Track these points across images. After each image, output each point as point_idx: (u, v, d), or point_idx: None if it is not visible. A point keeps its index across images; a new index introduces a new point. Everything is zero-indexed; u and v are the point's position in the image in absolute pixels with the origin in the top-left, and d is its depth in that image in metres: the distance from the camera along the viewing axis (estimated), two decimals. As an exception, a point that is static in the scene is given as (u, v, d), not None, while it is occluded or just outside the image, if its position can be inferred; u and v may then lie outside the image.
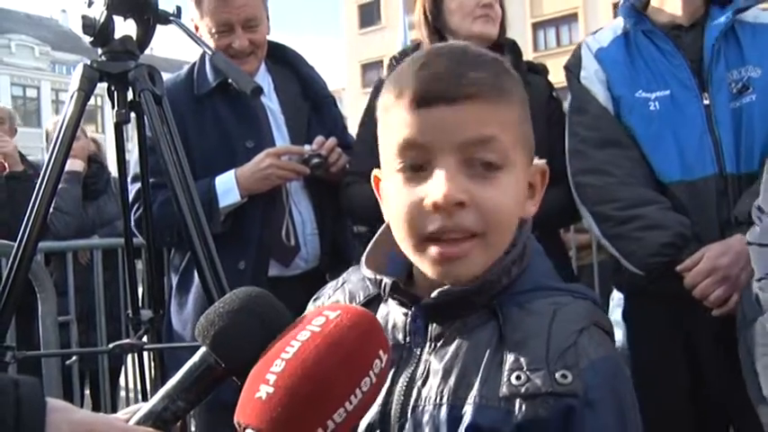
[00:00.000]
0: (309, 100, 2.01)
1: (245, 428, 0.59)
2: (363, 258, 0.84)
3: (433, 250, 0.74)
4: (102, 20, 1.52)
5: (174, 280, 1.93)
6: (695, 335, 1.60)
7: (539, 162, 0.83)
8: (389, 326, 0.81)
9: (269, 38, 2.00)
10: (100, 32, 1.53)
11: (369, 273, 0.83)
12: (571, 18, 26.27)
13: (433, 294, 0.76)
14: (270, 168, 1.80)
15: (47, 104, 33.80)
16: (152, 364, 2.05)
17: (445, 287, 0.76)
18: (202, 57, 1.95)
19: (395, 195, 0.77)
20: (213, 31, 1.87)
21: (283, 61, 2.06)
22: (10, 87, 33.18)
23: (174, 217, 1.68)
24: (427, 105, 0.73)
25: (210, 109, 1.88)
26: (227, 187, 1.81)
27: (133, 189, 1.86)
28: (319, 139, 1.90)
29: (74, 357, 2.54)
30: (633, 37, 1.68)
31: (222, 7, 1.82)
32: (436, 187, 0.72)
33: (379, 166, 0.84)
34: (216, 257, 1.54)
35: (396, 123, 0.75)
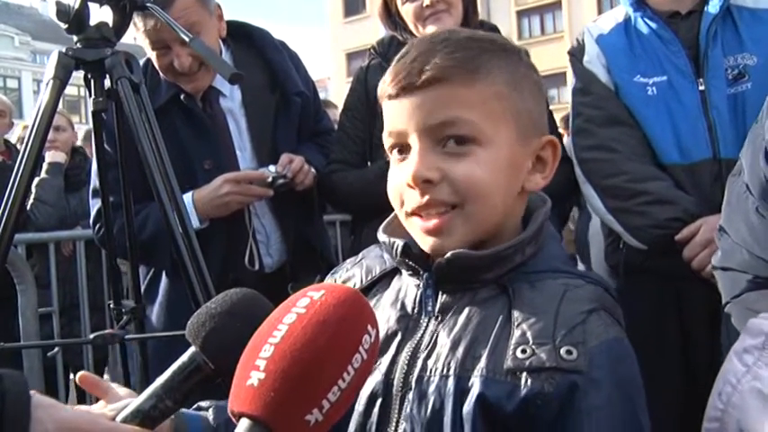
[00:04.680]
0: (277, 92, 1.87)
1: (239, 417, 0.58)
2: (381, 227, 0.88)
3: (417, 223, 0.80)
4: (77, 6, 1.48)
5: (142, 287, 1.85)
6: (688, 311, 1.64)
7: (548, 135, 0.84)
8: (400, 296, 0.85)
9: (234, 18, 1.89)
10: (75, 19, 1.50)
11: (384, 237, 0.86)
12: (555, 6, 26.24)
13: (447, 255, 0.79)
14: (228, 196, 1.72)
15: (28, 95, 33.38)
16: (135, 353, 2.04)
17: (460, 251, 0.78)
18: (151, 67, 1.82)
19: (390, 176, 0.84)
20: (150, 49, 1.74)
21: (248, 44, 1.92)
22: (-10, 78, 32.79)
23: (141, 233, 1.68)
24: (396, 96, 0.80)
25: (166, 123, 1.70)
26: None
27: (94, 205, 1.79)
28: (284, 159, 1.79)
29: (56, 349, 2.52)
30: (634, 23, 1.72)
31: (155, 25, 1.65)
32: (408, 167, 0.79)
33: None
34: (200, 257, 1.49)
35: (384, 113, 0.84)
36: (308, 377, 0.58)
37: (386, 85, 0.82)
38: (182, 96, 1.81)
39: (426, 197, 0.78)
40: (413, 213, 0.80)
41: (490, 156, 0.78)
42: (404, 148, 0.81)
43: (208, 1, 1.76)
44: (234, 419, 0.59)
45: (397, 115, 0.80)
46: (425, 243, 0.81)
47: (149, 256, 1.83)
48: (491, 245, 0.80)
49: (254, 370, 0.58)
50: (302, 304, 0.61)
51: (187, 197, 1.72)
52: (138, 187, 1.63)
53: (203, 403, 0.88)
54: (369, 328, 0.62)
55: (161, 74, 1.81)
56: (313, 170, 1.85)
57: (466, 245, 0.79)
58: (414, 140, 0.79)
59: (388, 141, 0.83)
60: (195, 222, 1.71)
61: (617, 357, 0.74)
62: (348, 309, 0.61)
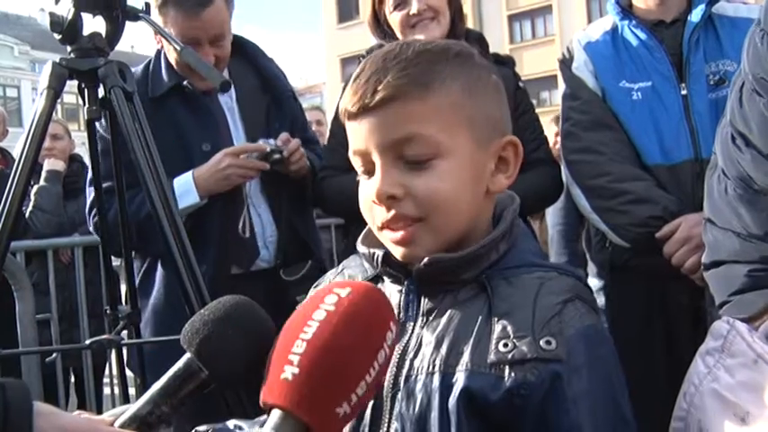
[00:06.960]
0: (269, 94, 1.96)
1: (271, 408, 0.61)
2: (360, 239, 0.90)
3: (388, 236, 0.83)
4: (69, 17, 1.51)
5: (136, 282, 1.87)
6: (672, 309, 1.67)
7: (508, 136, 0.86)
8: None
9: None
10: (68, 29, 1.53)
11: (363, 248, 0.88)
12: (546, 10, 26.21)
13: (425, 261, 0.81)
14: (229, 169, 1.76)
15: (27, 104, 33.29)
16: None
17: (435, 255, 0.81)
18: (156, 57, 1.90)
19: (360, 192, 0.86)
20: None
21: (241, 54, 2.00)
22: (-11, 87, 32.75)
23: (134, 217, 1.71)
24: (356, 117, 0.82)
25: (167, 111, 1.82)
26: (185, 189, 1.75)
27: (90, 193, 1.82)
28: (284, 136, 1.85)
29: (54, 355, 2.54)
30: (621, 32, 1.78)
31: (191, 23, 1.75)
32: (373, 185, 0.81)
33: (349, 159, 0.88)
34: (192, 257, 1.51)
35: (347, 132, 0.85)
36: (340, 373, 0.61)
37: (345, 105, 0.83)
38: (185, 82, 1.85)
39: (392, 212, 0.80)
40: (382, 227, 0.83)
41: (451, 166, 0.80)
42: (369, 166, 0.82)
43: (230, 3, 1.85)
44: (266, 410, 0.62)
45: (358, 135, 0.82)
46: (397, 252, 0.83)
47: (146, 240, 1.83)
48: (464, 245, 0.82)
49: (288, 365, 0.61)
50: (330, 301, 0.64)
51: (187, 176, 1.77)
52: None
53: (201, 428, 0.89)
54: (391, 324, 0.65)
55: (162, 65, 1.87)
56: (307, 160, 1.89)
57: (436, 251, 0.81)
58: (376, 158, 0.81)
59: (354, 160, 0.85)
60: (195, 198, 1.76)
61: (593, 343, 0.76)
62: (374, 307, 0.65)
